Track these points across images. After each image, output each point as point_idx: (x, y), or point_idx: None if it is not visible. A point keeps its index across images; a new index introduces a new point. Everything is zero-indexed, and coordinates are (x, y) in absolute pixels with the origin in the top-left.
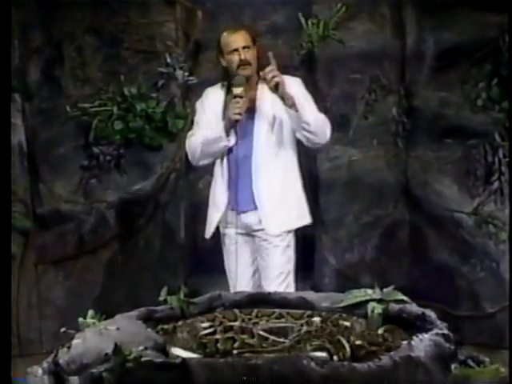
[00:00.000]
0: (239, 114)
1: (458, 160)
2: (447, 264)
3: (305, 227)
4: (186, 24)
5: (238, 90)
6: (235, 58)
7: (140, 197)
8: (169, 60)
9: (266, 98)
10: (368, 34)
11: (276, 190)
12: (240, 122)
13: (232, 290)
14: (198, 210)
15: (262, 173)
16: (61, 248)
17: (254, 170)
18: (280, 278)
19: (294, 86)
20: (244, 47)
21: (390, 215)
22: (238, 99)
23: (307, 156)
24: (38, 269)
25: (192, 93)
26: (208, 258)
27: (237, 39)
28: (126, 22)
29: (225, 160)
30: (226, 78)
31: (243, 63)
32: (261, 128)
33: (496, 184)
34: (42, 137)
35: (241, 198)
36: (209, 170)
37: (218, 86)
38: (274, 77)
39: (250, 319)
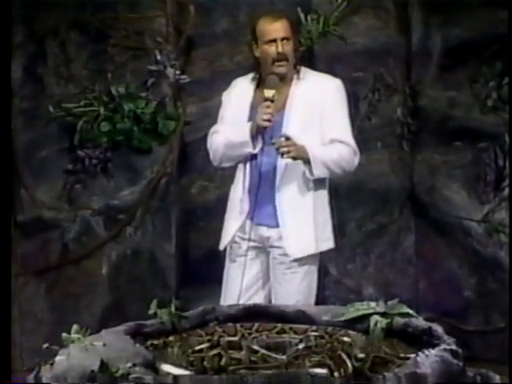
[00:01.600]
0: (268, 120)
1: (467, 164)
2: (455, 275)
3: None
4: (178, 19)
5: (269, 93)
6: (271, 50)
7: (128, 203)
8: (159, 57)
9: (298, 99)
10: (371, 29)
11: (302, 206)
12: (269, 129)
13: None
14: (191, 217)
15: (287, 185)
16: (43, 258)
17: (277, 181)
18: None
19: (328, 97)
20: (283, 39)
21: (395, 223)
22: (268, 103)
23: None
24: (18, 280)
25: (184, 92)
26: (201, 269)
27: (276, 28)
28: (113, 16)
29: (248, 165)
30: (258, 70)
31: (280, 58)
32: (290, 128)
33: (507, 190)
34: (23, 139)
35: (262, 210)
36: (202, 174)
37: (248, 77)
38: (288, 152)
39: (250, 334)
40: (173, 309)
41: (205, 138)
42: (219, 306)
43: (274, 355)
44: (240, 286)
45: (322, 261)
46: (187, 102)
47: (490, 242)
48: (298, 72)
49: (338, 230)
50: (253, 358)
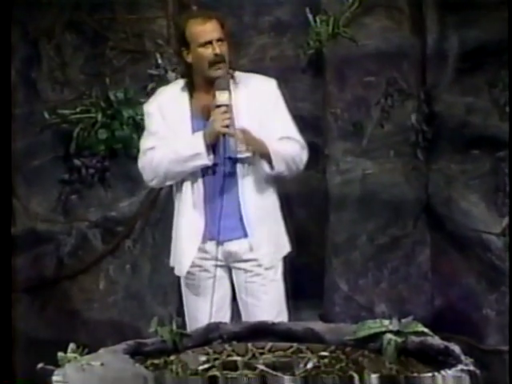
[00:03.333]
0: (227, 126)
1: (486, 174)
2: (473, 291)
3: (315, 249)
4: None
5: (223, 97)
6: (207, 52)
7: (127, 215)
8: (159, 61)
9: (243, 103)
10: (384, 31)
11: (266, 212)
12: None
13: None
14: None
15: (250, 194)
16: (37, 273)
17: (241, 191)
18: (279, 317)
19: (270, 99)
20: (218, 40)
21: (409, 236)
22: (224, 108)
23: (315, 169)
24: (11, 296)
25: None
26: None
27: (210, 29)
28: (111, 17)
29: (200, 180)
30: (190, 77)
31: (218, 60)
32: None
33: None
34: (16, 146)
35: (225, 223)
36: None
37: (176, 85)
38: (247, 145)
39: (261, 353)
40: (174, 327)
41: None
42: (223, 324)
43: (273, 372)
44: (210, 313)
45: (332, 276)
46: None
47: (509, 257)
48: (232, 76)
49: (349, 243)
50: (250, 376)
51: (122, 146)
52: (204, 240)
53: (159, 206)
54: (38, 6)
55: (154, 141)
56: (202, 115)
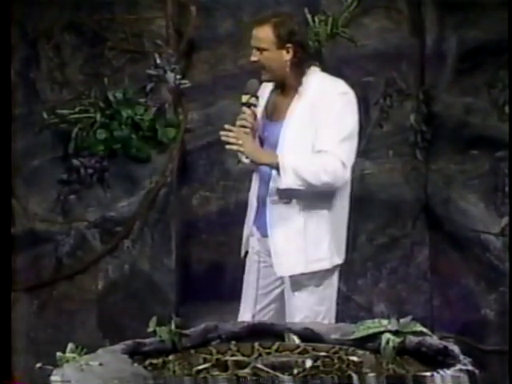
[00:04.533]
0: (243, 126)
1: (485, 174)
2: (472, 292)
3: None
4: (178, 21)
5: (245, 98)
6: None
7: (125, 215)
8: (158, 61)
9: (298, 111)
10: (383, 31)
11: (292, 222)
12: (266, 140)
13: (240, 318)
14: (192, 229)
15: (279, 197)
16: (35, 273)
17: (270, 192)
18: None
19: (327, 109)
20: (258, 49)
21: (408, 236)
22: (244, 108)
23: None
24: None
25: (185, 98)
26: (202, 284)
27: (254, 36)
28: (110, 17)
29: (258, 173)
30: None
31: (256, 66)
32: (286, 141)
33: None
34: (14, 147)
35: (263, 220)
36: (203, 184)
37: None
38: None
39: (268, 353)
40: (173, 326)
41: (207, 145)
42: (222, 324)
43: (266, 369)
44: (256, 292)
45: None
46: (188, 108)
47: (509, 257)
48: (299, 85)
49: (348, 243)
50: (241, 374)
51: (121, 146)
52: (254, 229)
53: (158, 206)
54: (37, 7)
55: None
56: (267, 114)
